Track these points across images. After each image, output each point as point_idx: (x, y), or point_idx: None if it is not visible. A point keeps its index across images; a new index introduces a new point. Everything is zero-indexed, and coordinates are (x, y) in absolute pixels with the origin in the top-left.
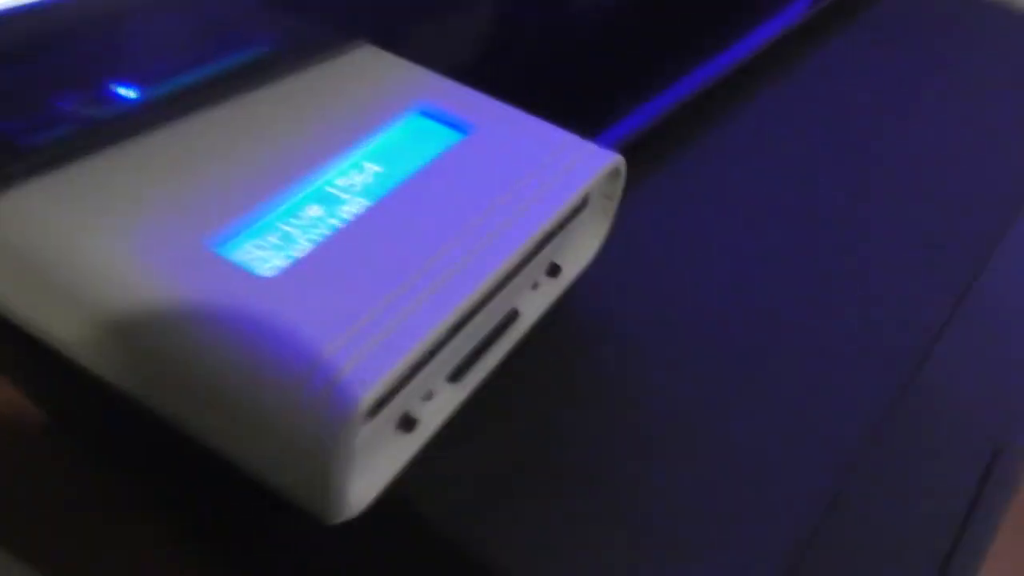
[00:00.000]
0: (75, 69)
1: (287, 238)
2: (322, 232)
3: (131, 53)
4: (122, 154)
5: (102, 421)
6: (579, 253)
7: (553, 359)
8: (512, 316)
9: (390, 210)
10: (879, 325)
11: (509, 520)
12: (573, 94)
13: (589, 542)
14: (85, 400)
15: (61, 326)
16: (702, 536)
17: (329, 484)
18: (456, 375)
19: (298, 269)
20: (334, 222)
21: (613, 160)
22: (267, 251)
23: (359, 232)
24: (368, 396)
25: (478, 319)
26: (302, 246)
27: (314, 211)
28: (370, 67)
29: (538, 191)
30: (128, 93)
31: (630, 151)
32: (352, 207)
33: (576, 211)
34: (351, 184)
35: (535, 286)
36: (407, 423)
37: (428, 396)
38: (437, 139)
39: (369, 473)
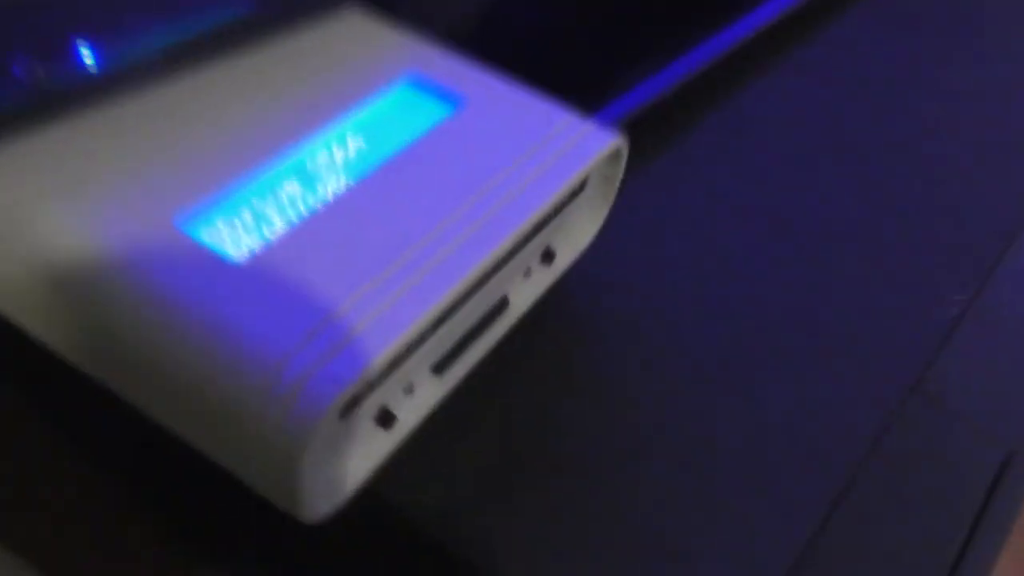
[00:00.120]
0: (33, 31)
1: (261, 217)
2: (299, 212)
3: (96, 13)
4: (85, 123)
5: (83, 413)
6: (575, 238)
7: (549, 350)
8: (502, 305)
9: (373, 190)
10: (886, 326)
11: (503, 515)
12: (572, 67)
13: (583, 538)
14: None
15: (19, 304)
16: (700, 540)
17: (298, 486)
18: (440, 367)
19: (270, 254)
20: (312, 201)
21: (614, 141)
22: (239, 231)
23: (338, 214)
24: (339, 397)
25: (465, 309)
26: (277, 227)
27: (291, 188)
28: (357, 32)
29: (533, 173)
30: (92, 58)
31: (630, 130)
32: (332, 185)
33: (573, 194)
34: (333, 159)
35: (527, 273)
36: (385, 418)
37: (409, 389)
38: (426, 113)
39: (344, 471)
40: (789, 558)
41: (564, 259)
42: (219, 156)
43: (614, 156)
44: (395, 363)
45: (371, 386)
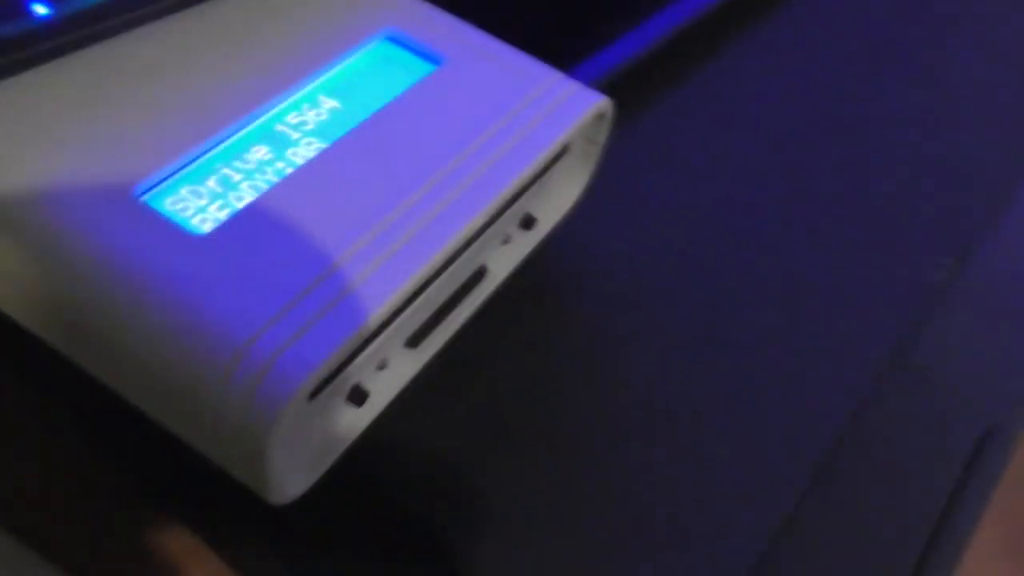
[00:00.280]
0: None
1: (228, 183)
2: (268, 178)
3: None
4: (36, 81)
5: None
6: (557, 203)
7: (536, 318)
8: (479, 274)
9: (347, 154)
10: (871, 296)
11: (491, 488)
12: (556, 23)
13: (575, 510)
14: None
15: None
16: (681, 513)
17: (265, 469)
18: (415, 340)
19: (237, 224)
20: (282, 166)
21: (599, 102)
22: (204, 199)
23: (310, 179)
24: (306, 381)
25: (441, 280)
26: (244, 194)
27: (260, 152)
28: None
29: (515, 136)
30: (42, 8)
31: (615, 86)
32: (304, 149)
33: (556, 158)
34: (304, 121)
35: (506, 240)
36: (357, 396)
37: (383, 365)
38: (404, 71)
39: (315, 451)
40: (775, 525)
41: (545, 225)
42: (183, 119)
43: (599, 118)
44: (368, 340)
45: (343, 364)
